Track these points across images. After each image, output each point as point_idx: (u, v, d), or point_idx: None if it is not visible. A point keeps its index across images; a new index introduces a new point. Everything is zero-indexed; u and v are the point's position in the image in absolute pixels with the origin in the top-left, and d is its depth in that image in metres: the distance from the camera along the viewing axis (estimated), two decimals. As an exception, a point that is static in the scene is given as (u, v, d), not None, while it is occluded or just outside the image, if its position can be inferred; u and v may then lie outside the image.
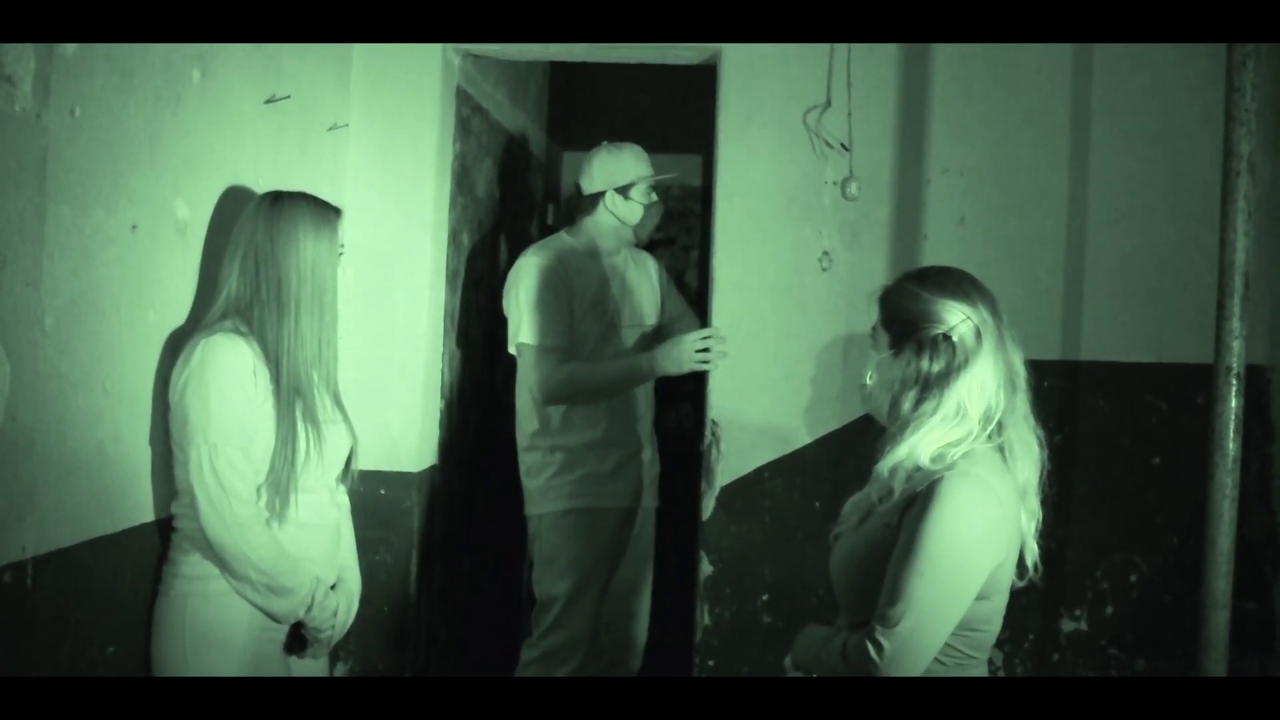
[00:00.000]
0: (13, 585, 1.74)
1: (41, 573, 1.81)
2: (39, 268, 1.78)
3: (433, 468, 3.21)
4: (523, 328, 3.11)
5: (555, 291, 3.10)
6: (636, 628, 3.40)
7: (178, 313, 2.22)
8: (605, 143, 3.28)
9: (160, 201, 2.14)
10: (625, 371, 3.14)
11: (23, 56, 1.72)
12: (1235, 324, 2.33)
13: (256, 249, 2.14)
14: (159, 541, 2.17)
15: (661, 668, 3.78)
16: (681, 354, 3.00)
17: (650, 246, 3.54)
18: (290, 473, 2.11)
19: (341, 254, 2.24)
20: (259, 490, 2.11)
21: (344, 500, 2.34)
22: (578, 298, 3.15)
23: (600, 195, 3.21)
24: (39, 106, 1.76)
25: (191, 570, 2.10)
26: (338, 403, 2.28)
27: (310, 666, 2.28)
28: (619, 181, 3.20)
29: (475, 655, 3.77)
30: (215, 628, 2.09)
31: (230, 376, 2.06)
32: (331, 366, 2.23)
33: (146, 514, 2.14)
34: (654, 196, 3.26)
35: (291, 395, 2.12)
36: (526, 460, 3.23)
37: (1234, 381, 2.34)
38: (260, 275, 2.13)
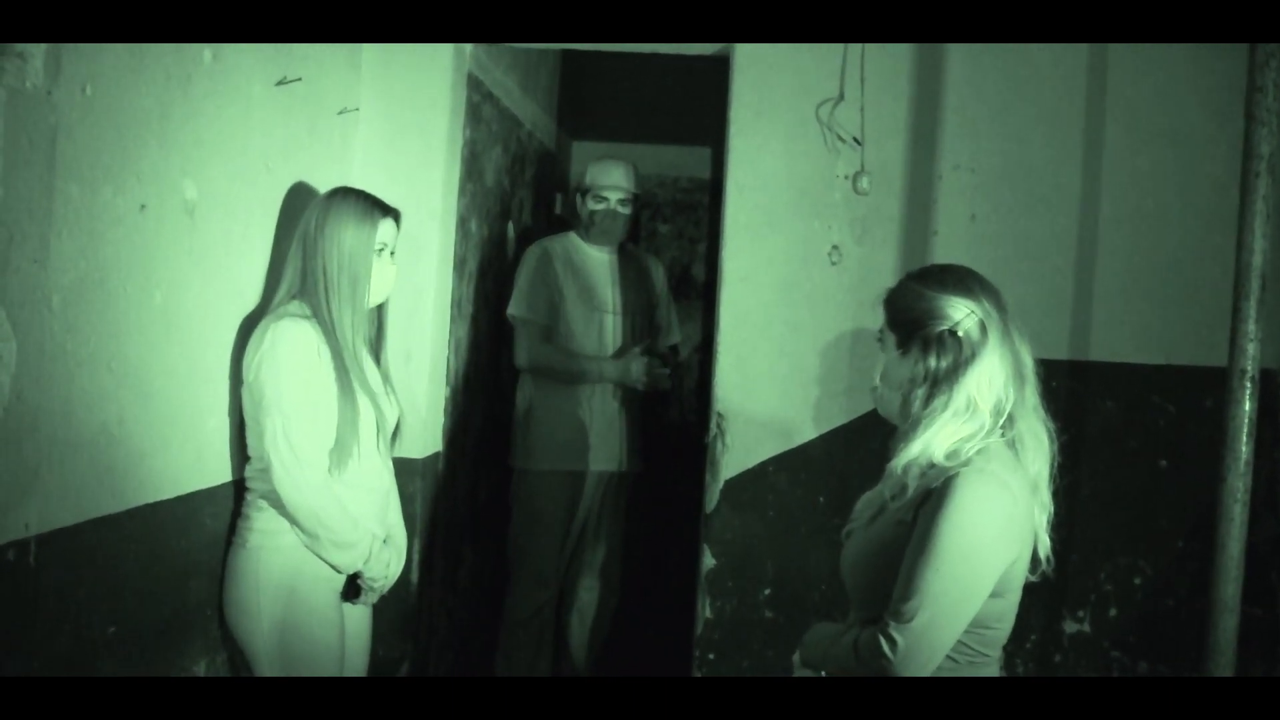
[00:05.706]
0: (15, 563, 1.73)
1: (44, 551, 1.80)
2: (47, 246, 1.77)
3: (436, 454, 3.21)
4: (513, 301, 3.63)
5: (543, 278, 3.63)
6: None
7: (185, 294, 2.21)
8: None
9: (169, 181, 2.13)
10: (592, 370, 3.66)
11: (34, 32, 1.70)
12: (1250, 326, 2.31)
13: (306, 238, 2.38)
14: (161, 522, 2.17)
15: (662, 660, 3.78)
16: (629, 371, 3.65)
17: (634, 236, 4.10)
18: (352, 439, 2.36)
19: (381, 252, 2.41)
20: (325, 455, 2.34)
21: (391, 466, 2.56)
22: (567, 284, 3.65)
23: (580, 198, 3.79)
24: (50, 83, 1.74)
25: (264, 525, 2.34)
26: (387, 379, 2.54)
27: (358, 613, 2.52)
28: (583, 187, 3.76)
29: (476, 644, 3.76)
30: (284, 576, 2.34)
31: (298, 356, 2.29)
32: (363, 346, 2.43)
33: (149, 494, 2.13)
34: (600, 205, 3.69)
35: (347, 370, 2.35)
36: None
37: (1248, 384, 2.32)
38: (308, 263, 2.37)
